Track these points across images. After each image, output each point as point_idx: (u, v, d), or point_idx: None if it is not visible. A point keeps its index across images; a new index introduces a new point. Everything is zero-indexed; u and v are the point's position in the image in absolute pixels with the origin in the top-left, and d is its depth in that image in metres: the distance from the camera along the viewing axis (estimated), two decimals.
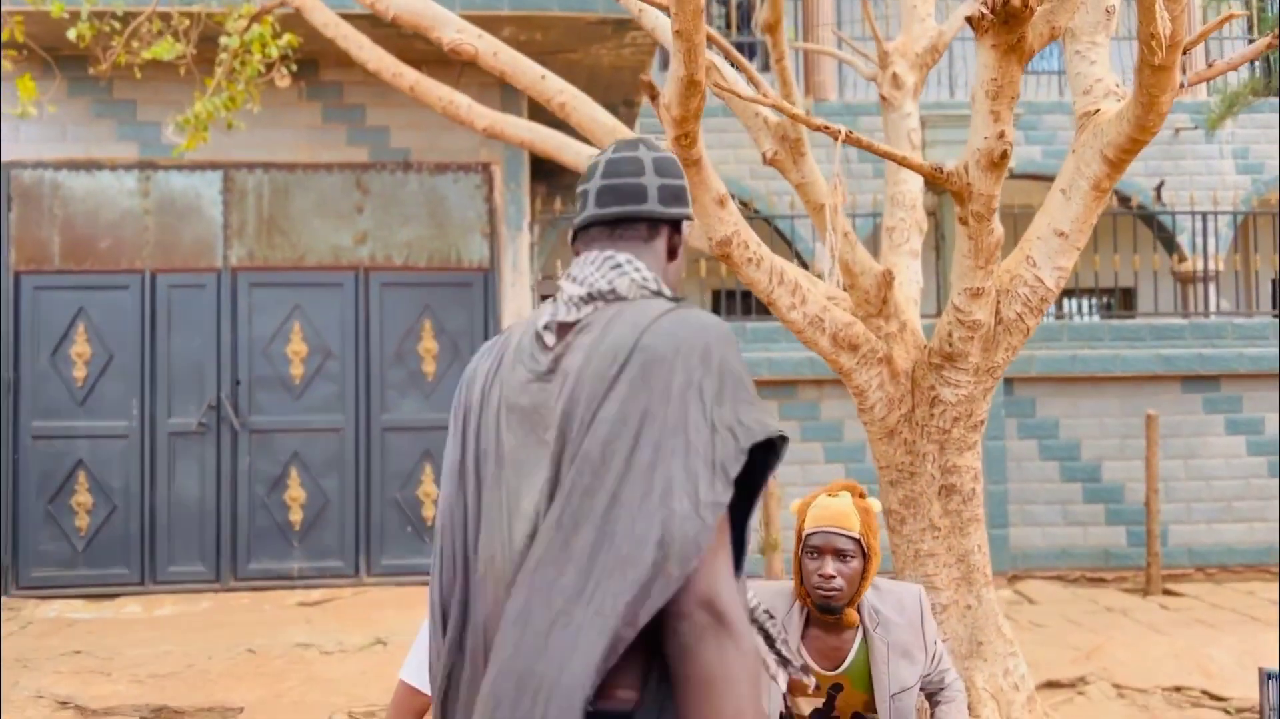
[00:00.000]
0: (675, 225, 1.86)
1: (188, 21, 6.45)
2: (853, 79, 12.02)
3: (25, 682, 5.74)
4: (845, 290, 4.57)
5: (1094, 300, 13.97)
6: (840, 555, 2.75)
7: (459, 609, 1.69)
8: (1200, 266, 11.18)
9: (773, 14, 4.39)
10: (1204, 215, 10.33)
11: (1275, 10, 9.88)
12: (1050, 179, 11.21)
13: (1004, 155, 3.71)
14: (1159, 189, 11.79)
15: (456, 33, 4.82)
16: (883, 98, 5.16)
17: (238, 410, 8.06)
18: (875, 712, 2.80)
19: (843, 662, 2.82)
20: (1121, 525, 8.93)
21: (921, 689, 2.90)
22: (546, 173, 9.29)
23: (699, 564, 1.50)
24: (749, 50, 12.65)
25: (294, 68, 6.75)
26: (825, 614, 2.78)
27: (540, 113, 6.00)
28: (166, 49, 6.11)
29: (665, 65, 11.20)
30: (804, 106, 5.10)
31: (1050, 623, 7.26)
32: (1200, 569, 8.91)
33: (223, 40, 6.19)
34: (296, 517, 8.08)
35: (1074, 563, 8.90)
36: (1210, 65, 3.93)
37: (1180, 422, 8.97)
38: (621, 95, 9.09)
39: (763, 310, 9.21)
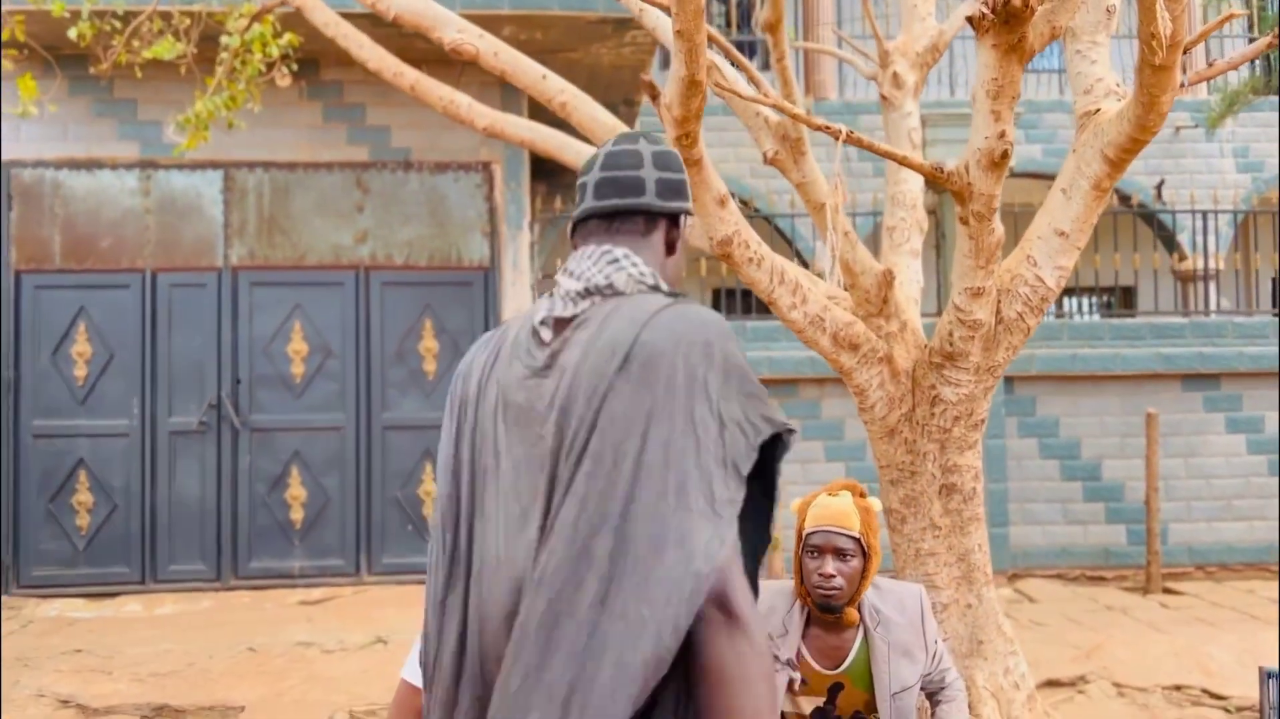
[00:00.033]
0: (674, 219, 1.84)
1: (188, 21, 6.45)
2: (853, 77, 12.02)
3: (26, 680, 5.75)
4: (846, 290, 4.57)
5: (1094, 299, 13.98)
6: (840, 555, 2.76)
7: (459, 606, 1.67)
8: (1200, 265, 11.18)
9: (773, 13, 4.39)
10: (1204, 214, 10.33)
11: (1275, 9, 9.88)
12: (1050, 177, 11.22)
13: (1005, 155, 3.71)
14: (1159, 187, 11.79)
15: (457, 33, 4.82)
16: (883, 97, 5.15)
17: (238, 409, 8.06)
18: (876, 711, 2.81)
19: (843, 661, 2.83)
20: (1122, 524, 8.93)
21: (922, 689, 2.91)
22: (547, 172, 9.29)
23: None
24: (749, 49, 12.65)
25: (294, 67, 6.75)
26: (826, 613, 2.79)
27: (540, 112, 6.00)
28: (167, 48, 6.11)
29: (665, 64, 11.21)
30: (804, 105, 5.11)
31: (1050, 621, 7.27)
32: (1200, 568, 8.92)
33: (223, 39, 6.19)
34: (297, 515, 8.08)
35: (1074, 561, 8.91)
36: (1211, 64, 3.93)
37: (1180, 420, 8.98)
38: (622, 94, 9.09)
39: (763, 309, 9.22)
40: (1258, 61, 11.88)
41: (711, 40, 4.28)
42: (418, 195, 8.33)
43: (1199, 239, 11.26)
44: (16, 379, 7.97)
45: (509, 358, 1.74)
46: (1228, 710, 5.45)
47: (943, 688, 2.93)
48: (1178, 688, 5.73)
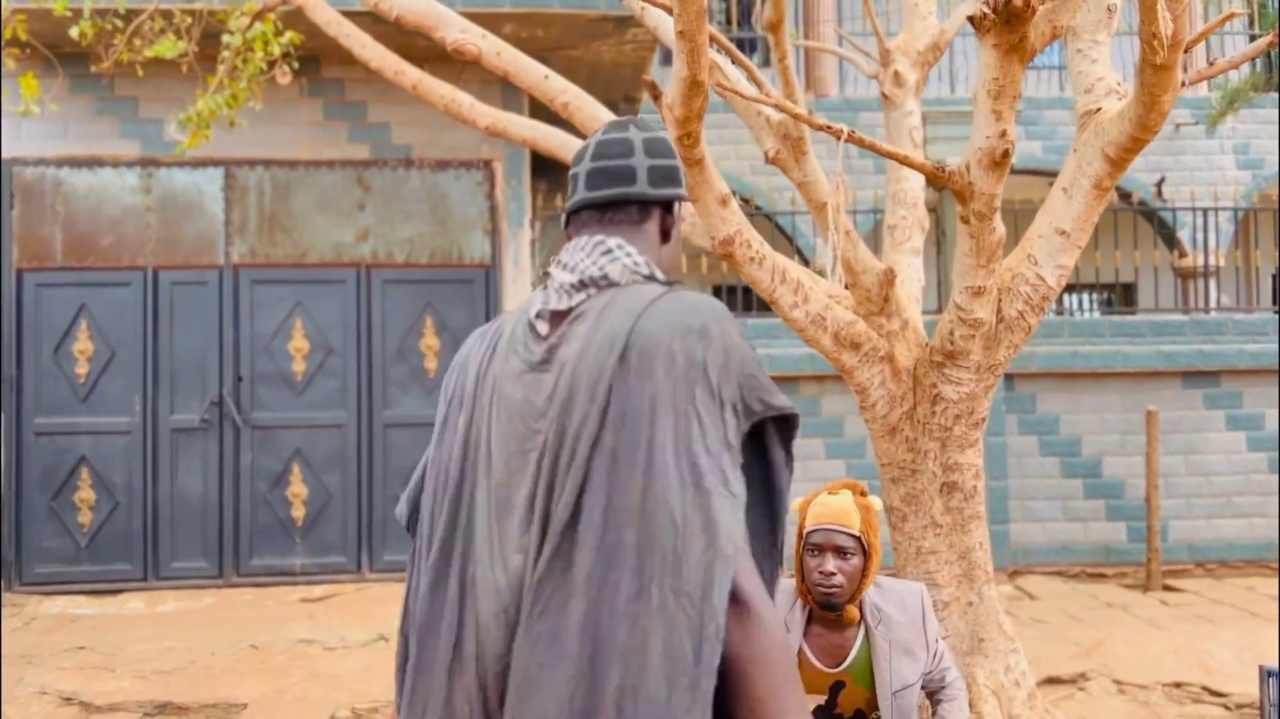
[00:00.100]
0: (667, 206, 1.83)
1: (190, 19, 6.45)
2: (854, 74, 12.02)
3: (29, 678, 5.76)
4: (847, 288, 4.58)
5: (1094, 296, 13.98)
6: (841, 553, 2.77)
7: (452, 601, 1.64)
8: (1201, 262, 11.18)
9: (775, 13, 4.39)
10: (1204, 211, 10.33)
11: (1275, 7, 9.88)
12: (1050, 174, 11.22)
13: (1006, 154, 3.72)
14: (1160, 185, 11.79)
15: (460, 33, 4.83)
16: (884, 96, 5.16)
17: (240, 407, 8.07)
18: (877, 709, 2.82)
19: (845, 659, 2.84)
20: (1122, 521, 8.94)
21: (923, 687, 2.92)
22: (548, 169, 9.30)
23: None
24: (749, 45, 12.65)
25: (295, 65, 6.76)
26: (826, 611, 2.80)
27: (542, 110, 6.01)
28: (169, 47, 6.12)
29: (666, 61, 11.21)
30: (805, 103, 5.12)
31: (1051, 619, 7.28)
32: (1200, 565, 8.93)
33: (225, 38, 6.20)
34: (299, 513, 8.10)
35: (1074, 558, 8.92)
36: (1211, 63, 3.94)
37: (1180, 417, 8.99)
38: (622, 91, 9.10)
39: (763, 306, 9.23)
40: (1258, 59, 11.87)
41: (713, 40, 4.28)
42: (419, 193, 8.34)
43: (1199, 236, 11.26)
44: (18, 377, 7.98)
45: (506, 352, 1.73)
46: (1228, 708, 5.46)
47: (943, 687, 2.94)
48: (1178, 685, 5.74)
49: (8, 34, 6.35)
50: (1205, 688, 5.70)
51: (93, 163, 8.12)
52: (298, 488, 8.11)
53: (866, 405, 4.49)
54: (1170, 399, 8.98)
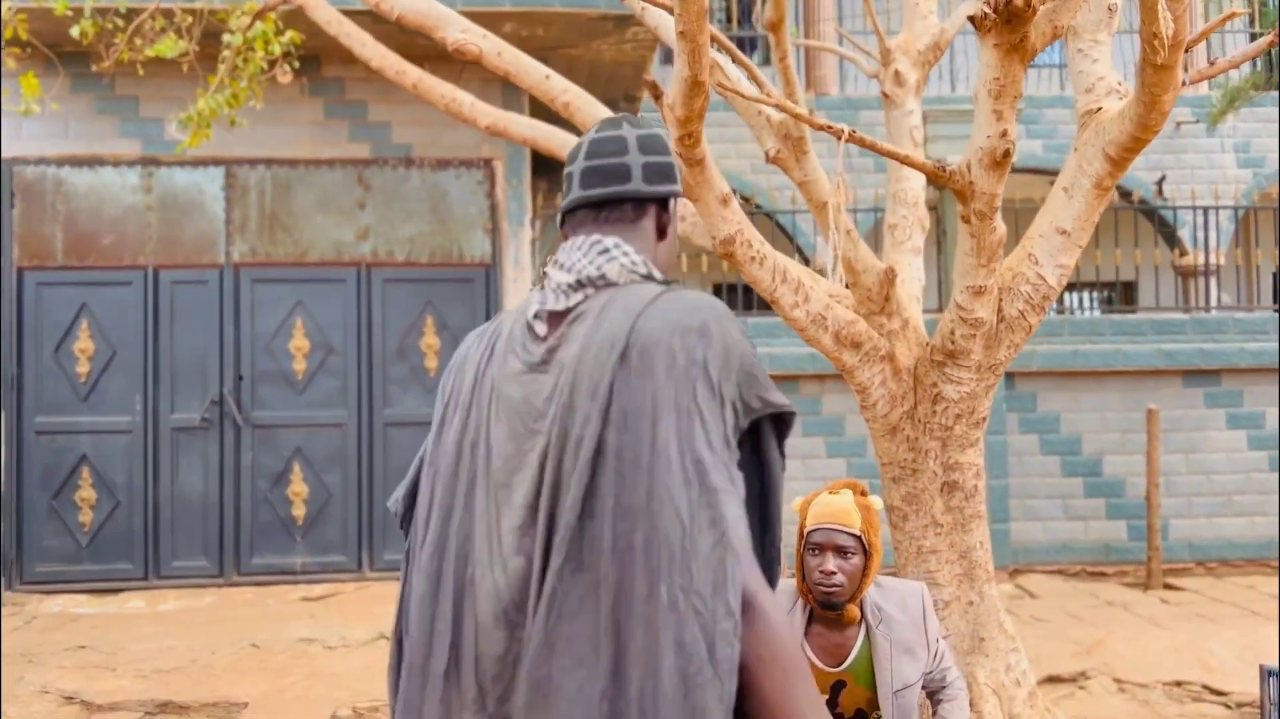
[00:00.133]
0: (663, 203, 1.82)
1: (190, 18, 6.46)
2: (854, 73, 12.01)
3: (30, 677, 5.77)
4: (848, 288, 4.58)
5: (1095, 294, 13.99)
6: (841, 552, 2.77)
7: (449, 603, 1.63)
8: (1201, 261, 11.18)
9: (776, 13, 4.39)
10: (1205, 209, 10.33)
11: (1276, 6, 9.88)
12: (1051, 173, 11.22)
13: (1006, 154, 3.72)
14: (1160, 183, 11.79)
15: (461, 33, 4.83)
16: (885, 95, 5.16)
17: (240, 406, 8.08)
18: (878, 709, 2.82)
19: (845, 659, 2.84)
20: (1122, 520, 8.94)
21: (923, 687, 2.92)
22: (548, 168, 9.30)
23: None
24: (750, 44, 12.65)
25: (296, 64, 6.76)
26: (827, 611, 2.80)
27: (542, 109, 6.01)
28: (169, 46, 6.12)
29: (666, 60, 11.21)
30: (805, 101, 5.12)
31: (1051, 617, 7.28)
32: (1201, 563, 8.94)
33: (226, 37, 6.20)
34: (299, 512, 8.10)
35: (1075, 557, 8.92)
36: (1212, 63, 3.94)
37: (1181, 416, 8.99)
38: (623, 90, 9.10)
39: (764, 305, 9.23)
40: (1259, 57, 11.87)
41: (714, 39, 4.28)
42: (419, 192, 8.34)
43: (1200, 235, 11.26)
44: (19, 376, 7.98)
45: (504, 352, 1.72)
46: (1228, 706, 5.46)
47: (944, 687, 2.95)
48: (1178, 684, 5.75)
49: (8, 33, 6.36)
50: (1206, 686, 5.71)
51: (93, 162, 8.12)
52: (298, 487, 8.11)
53: (867, 405, 4.49)
54: (1171, 398, 8.98)
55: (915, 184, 5.10)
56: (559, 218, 1.85)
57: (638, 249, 1.76)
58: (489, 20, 6.97)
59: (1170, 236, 11.84)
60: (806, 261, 10.85)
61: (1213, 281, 10.93)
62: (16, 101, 6.44)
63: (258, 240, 8.20)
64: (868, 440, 8.47)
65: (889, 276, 4.45)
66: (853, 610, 2.81)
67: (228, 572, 8.04)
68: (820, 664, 2.83)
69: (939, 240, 9.81)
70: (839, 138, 3.58)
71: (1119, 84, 4.13)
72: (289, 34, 6.34)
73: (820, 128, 3.61)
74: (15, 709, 5.36)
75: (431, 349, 8.26)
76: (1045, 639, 6.53)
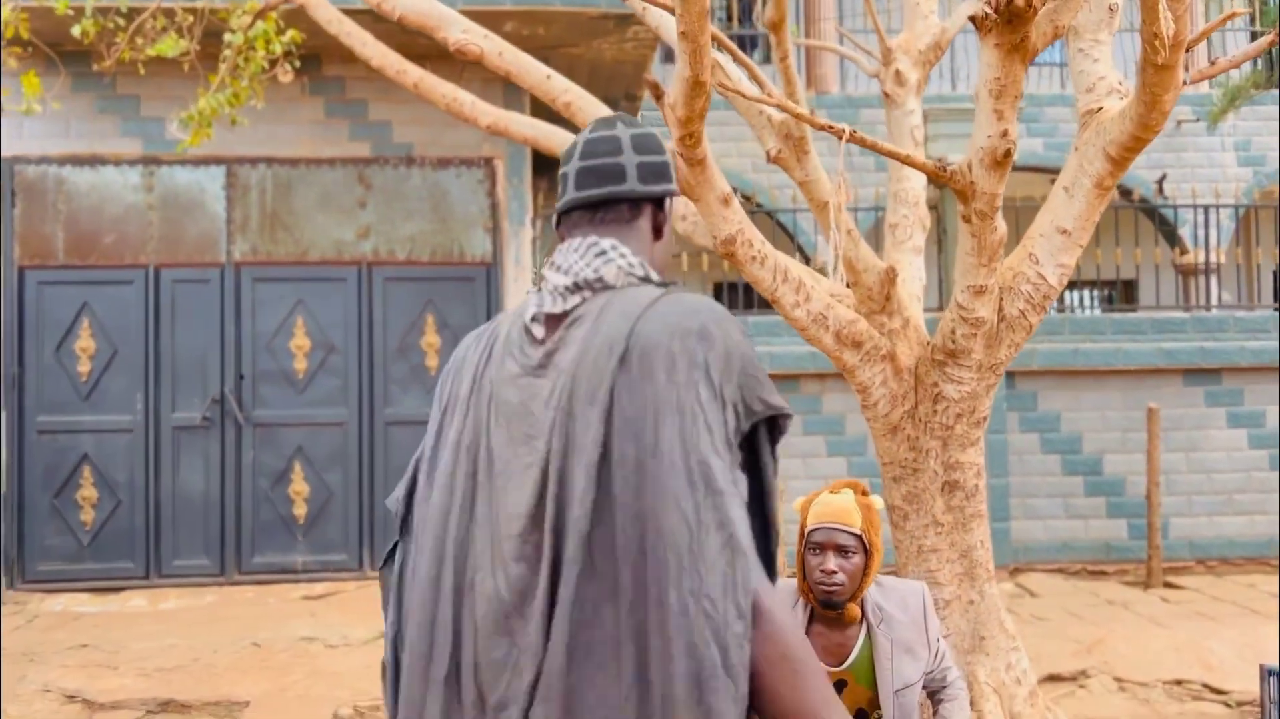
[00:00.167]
0: (659, 203, 1.81)
1: (191, 18, 6.46)
2: (855, 71, 12.01)
3: (32, 675, 5.78)
4: (849, 287, 4.59)
5: (1095, 293, 13.99)
6: (842, 551, 2.77)
7: (449, 607, 1.62)
8: (1202, 259, 11.18)
9: (777, 13, 4.40)
10: (1206, 208, 10.34)
11: (1276, 4, 9.88)
12: (1052, 171, 11.22)
13: (1007, 154, 3.73)
14: (1161, 182, 11.80)
15: (462, 33, 4.83)
16: (885, 95, 5.17)
17: (241, 405, 8.08)
18: (879, 708, 2.83)
19: (846, 658, 2.84)
20: (1122, 518, 8.95)
21: (924, 687, 2.92)
22: (549, 167, 9.30)
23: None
24: (750, 42, 12.64)
25: (297, 64, 6.76)
26: (828, 610, 2.80)
27: (543, 108, 6.02)
28: (170, 46, 6.12)
29: (667, 59, 11.21)
30: (806, 100, 5.12)
31: (1051, 616, 7.29)
32: (1201, 562, 8.94)
33: (227, 37, 6.21)
34: (300, 510, 8.11)
35: (1075, 556, 8.93)
36: (1213, 62, 3.94)
37: (1181, 415, 9.00)
38: (623, 89, 9.10)
39: (764, 304, 9.23)
40: (1259, 56, 11.87)
41: (715, 39, 4.29)
42: (420, 191, 8.34)
43: (1200, 233, 11.26)
44: (21, 375, 7.99)
45: (502, 355, 1.71)
46: (1228, 705, 5.47)
47: (944, 686, 2.95)
48: (1178, 683, 5.75)
49: (9, 33, 6.36)
50: (1206, 685, 5.71)
51: (94, 161, 8.13)
52: (299, 485, 8.12)
53: (868, 404, 4.50)
54: (1171, 396, 8.98)
55: (916, 183, 5.11)
56: (554, 219, 1.84)
57: (634, 250, 1.76)
58: (490, 19, 6.98)
59: (1171, 235, 11.85)
60: (807, 260, 10.85)
61: (1213, 280, 10.93)
62: (18, 101, 6.45)
63: (259, 239, 8.20)
64: (868, 439, 8.47)
65: (890, 276, 4.45)
66: (853, 610, 2.81)
67: (229, 570, 8.04)
68: (821, 664, 2.84)
69: (939, 239, 9.81)
70: (840, 138, 3.59)
71: (1120, 84, 4.14)
72: (290, 33, 6.35)
73: (821, 128, 3.61)
74: (17, 708, 5.37)
75: (432, 348, 8.26)
76: (1046, 638, 6.53)
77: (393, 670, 1.75)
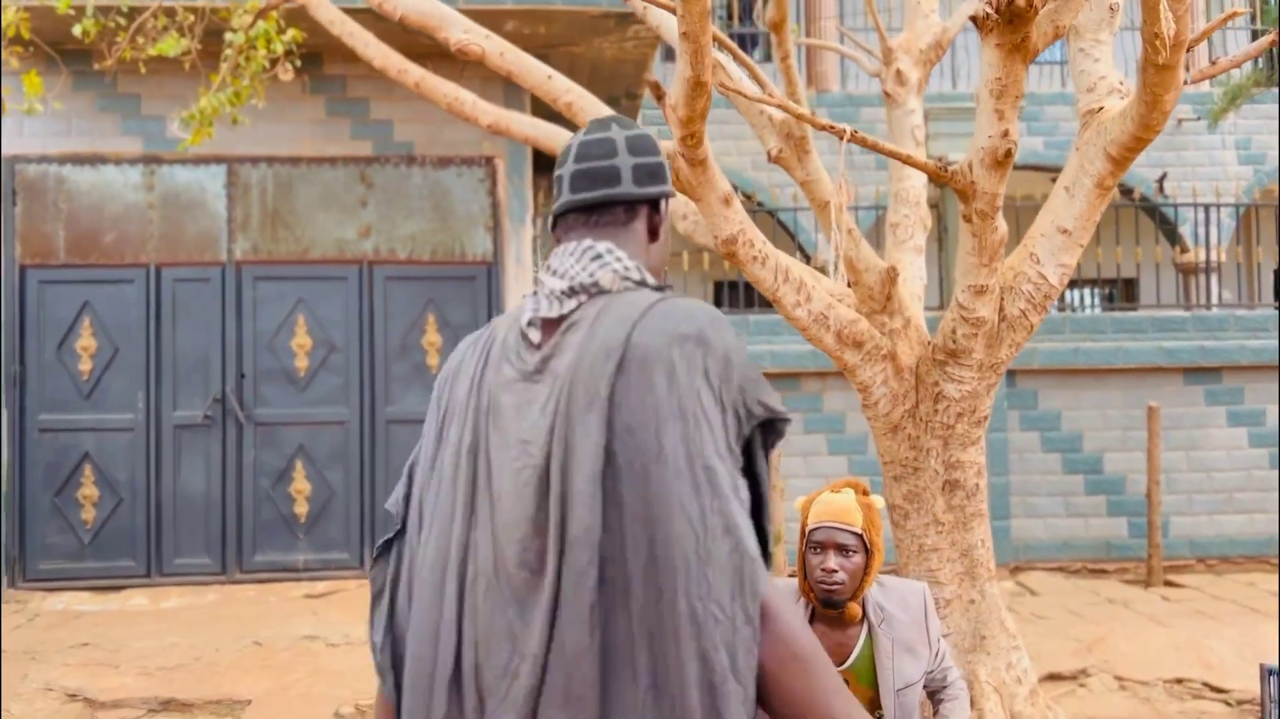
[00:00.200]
0: (654, 204, 1.81)
1: (192, 17, 6.46)
2: (855, 69, 12.01)
3: (34, 674, 5.78)
4: (849, 287, 4.59)
5: (1096, 291, 13.99)
6: (842, 550, 2.78)
7: (453, 614, 1.62)
8: (1202, 258, 11.19)
9: (778, 12, 4.40)
10: (1206, 207, 10.34)
11: (1277, 3, 9.87)
12: (1052, 170, 11.22)
13: (1008, 154, 3.73)
14: (1161, 180, 11.80)
15: (464, 33, 4.83)
16: (886, 94, 5.17)
17: (243, 403, 8.09)
18: (880, 708, 2.83)
19: (847, 657, 2.85)
20: (1123, 517, 8.96)
21: (924, 687, 2.93)
22: (550, 166, 9.31)
23: None
24: (751, 41, 12.64)
25: (298, 63, 6.76)
26: (829, 609, 2.81)
27: (544, 107, 6.02)
28: (172, 45, 6.13)
29: (667, 57, 11.21)
30: (807, 98, 5.13)
31: (1052, 614, 7.30)
32: (1201, 560, 8.95)
33: (228, 36, 6.21)
34: (302, 509, 8.11)
35: (1075, 554, 8.94)
36: (1214, 62, 3.94)
37: (1182, 413, 9.00)
38: (624, 87, 9.10)
39: (765, 302, 9.24)
40: (1260, 55, 11.85)
41: (716, 40, 4.29)
42: (421, 190, 8.34)
43: (1201, 232, 11.27)
44: (22, 374, 8.00)
45: (498, 360, 1.71)
46: (1228, 704, 5.48)
47: (944, 686, 2.96)
48: (1179, 681, 5.76)
49: (11, 32, 6.36)
50: (1206, 684, 5.72)
51: (95, 160, 8.13)
52: (300, 484, 8.13)
53: (869, 403, 4.50)
54: (1172, 395, 8.99)
55: (917, 183, 5.11)
56: (550, 221, 1.83)
57: (630, 253, 1.75)
58: (491, 18, 6.98)
59: (1171, 234, 11.85)
60: (808, 259, 10.86)
61: (1214, 279, 10.94)
62: (19, 100, 6.45)
63: (260, 238, 8.20)
64: (869, 438, 8.48)
65: (891, 276, 4.46)
66: (854, 609, 2.82)
67: (230, 569, 8.05)
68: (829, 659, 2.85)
69: (940, 237, 9.81)
70: (841, 138, 3.59)
71: (1120, 83, 4.14)
72: (291, 32, 6.35)
73: (822, 128, 3.62)
74: (19, 707, 5.38)
75: (433, 347, 8.27)
76: (1046, 636, 6.54)
77: (391, 679, 1.74)
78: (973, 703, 4.30)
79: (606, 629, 1.50)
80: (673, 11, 3.56)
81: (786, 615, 1.52)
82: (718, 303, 12.58)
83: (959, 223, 4.12)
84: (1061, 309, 11.56)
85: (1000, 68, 3.56)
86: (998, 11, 3.35)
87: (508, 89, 7.93)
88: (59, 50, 7.36)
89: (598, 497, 1.52)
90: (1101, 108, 4.07)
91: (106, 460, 8.02)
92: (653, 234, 1.81)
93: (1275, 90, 11.05)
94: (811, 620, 2.87)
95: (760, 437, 1.62)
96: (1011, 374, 8.88)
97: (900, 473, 4.50)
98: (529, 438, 1.61)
